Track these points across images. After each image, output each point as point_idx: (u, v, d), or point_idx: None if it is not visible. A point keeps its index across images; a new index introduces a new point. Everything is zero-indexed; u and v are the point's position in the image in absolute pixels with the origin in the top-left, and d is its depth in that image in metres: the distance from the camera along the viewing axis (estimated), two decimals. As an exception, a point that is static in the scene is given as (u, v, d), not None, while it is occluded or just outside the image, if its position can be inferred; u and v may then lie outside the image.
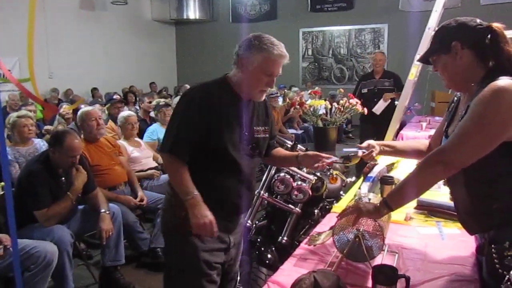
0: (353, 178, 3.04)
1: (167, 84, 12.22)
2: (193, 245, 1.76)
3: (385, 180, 2.24)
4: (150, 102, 6.01)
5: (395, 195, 1.48)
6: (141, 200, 3.46)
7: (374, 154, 1.83)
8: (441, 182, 1.91)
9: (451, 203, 1.62)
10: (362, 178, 2.56)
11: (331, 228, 1.64)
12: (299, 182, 2.51)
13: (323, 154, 1.88)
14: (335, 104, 3.84)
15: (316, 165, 1.87)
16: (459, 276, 1.48)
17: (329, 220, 2.01)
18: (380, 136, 4.35)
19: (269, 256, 2.42)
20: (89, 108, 3.91)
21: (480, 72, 1.38)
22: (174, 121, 1.76)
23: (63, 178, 2.85)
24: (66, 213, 2.83)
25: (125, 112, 4.29)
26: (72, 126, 4.59)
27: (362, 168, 2.79)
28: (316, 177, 2.60)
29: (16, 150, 3.54)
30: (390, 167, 2.79)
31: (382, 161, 2.70)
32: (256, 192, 2.45)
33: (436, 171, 1.35)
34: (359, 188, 2.34)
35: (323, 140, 3.76)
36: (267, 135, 1.91)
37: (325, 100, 4.00)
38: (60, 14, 9.82)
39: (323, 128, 3.74)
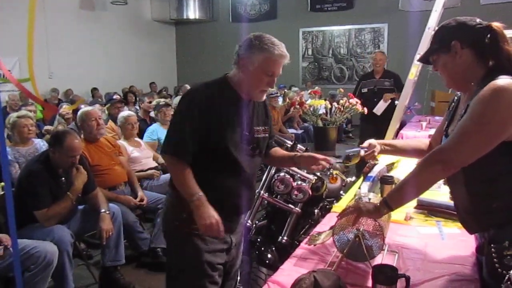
0: (353, 178, 3.03)
1: (167, 84, 12.22)
2: (195, 246, 1.75)
3: (385, 179, 2.24)
4: (150, 102, 6.01)
5: (395, 195, 1.48)
6: (141, 200, 3.46)
7: (375, 153, 1.84)
8: (441, 182, 1.92)
9: (451, 203, 1.62)
10: (362, 178, 2.55)
11: (331, 227, 1.64)
12: (299, 182, 2.51)
13: (319, 156, 1.88)
14: (335, 104, 3.84)
15: (313, 167, 1.87)
16: (459, 275, 1.48)
17: (329, 220, 2.01)
18: (380, 135, 4.34)
19: (269, 256, 2.42)
20: (89, 108, 3.91)
21: (480, 72, 1.38)
22: (176, 122, 1.75)
23: (63, 178, 2.85)
24: (66, 213, 2.83)
25: (125, 112, 4.29)
26: (72, 126, 4.59)
27: (362, 167, 2.79)
28: (316, 177, 2.60)
29: (16, 150, 3.55)
30: (390, 166, 2.79)
31: (382, 161, 2.70)
32: (256, 192, 2.45)
33: (436, 170, 1.35)
34: (359, 187, 2.34)
35: (323, 140, 3.76)
36: (267, 135, 1.91)
37: (325, 100, 4.00)
38: (60, 14, 9.82)
39: (323, 128, 3.74)
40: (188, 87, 8.71)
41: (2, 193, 2.62)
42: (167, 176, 3.83)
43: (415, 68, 4.28)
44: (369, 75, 5.66)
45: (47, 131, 5.17)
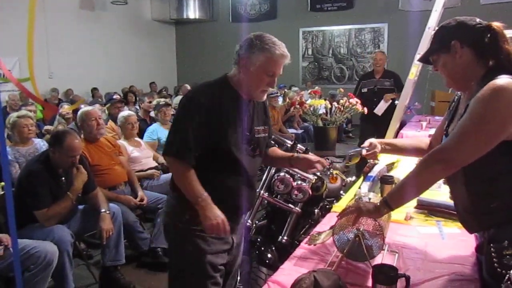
0: (353, 178, 3.03)
1: (167, 84, 12.21)
2: (198, 247, 1.75)
3: (385, 179, 2.24)
4: (150, 102, 6.00)
5: (395, 195, 1.48)
6: (141, 200, 3.46)
7: (376, 152, 1.84)
8: (441, 181, 1.92)
9: (451, 202, 1.62)
10: (362, 178, 2.55)
11: (331, 227, 1.64)
12: (299, 182, 2.51)
13: (314, 159, 1.87)
14: (335, 103, 3.85)
15: (309, 170, 1.87)
16: (459, 275, 1.48)
17: (329, 220, 2.01)
18: (380, 135, 4.34)
19: (269, 255, 2.42)
20: (89, 108, 3.91)
21: (480, 71, 1.38)
22: (178, 123, 1.74)
23: (63, 178, 2.85)
24: (66, 213, 2.83)
25: (125, 112, 4.28)
26: (72, 126, 4.59)
27: (362, 167, 2.79)
28: (316, 177, 2.60)
29: (16, 150, 3.55)
30: (390, 166, 2.79)
31: (382, 161, 2.70)
32: (256, 192, 2.45)
33: (436, 170, 1.35)
34: (359, 187, 2.34)
35: (323, 140, 3.76)
36: (267, 135, 1.91)
37: (325, 99, 4.01)
38: (60, 14, 9.81)
39: (323, 128, 3.74)
40: (188, 87, 8.72)
41: (2, 193, 2.62)
42: (167, 176, 3.83)
43: (415, 68, 4.28)
44: (369, 75, 5.67)
45: (47, 131, 5.17)
